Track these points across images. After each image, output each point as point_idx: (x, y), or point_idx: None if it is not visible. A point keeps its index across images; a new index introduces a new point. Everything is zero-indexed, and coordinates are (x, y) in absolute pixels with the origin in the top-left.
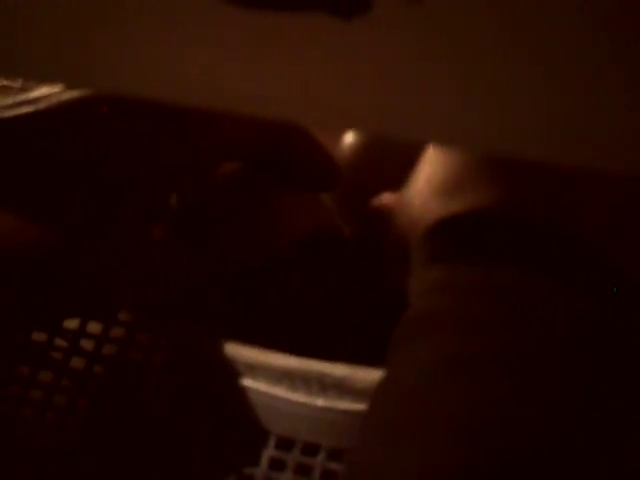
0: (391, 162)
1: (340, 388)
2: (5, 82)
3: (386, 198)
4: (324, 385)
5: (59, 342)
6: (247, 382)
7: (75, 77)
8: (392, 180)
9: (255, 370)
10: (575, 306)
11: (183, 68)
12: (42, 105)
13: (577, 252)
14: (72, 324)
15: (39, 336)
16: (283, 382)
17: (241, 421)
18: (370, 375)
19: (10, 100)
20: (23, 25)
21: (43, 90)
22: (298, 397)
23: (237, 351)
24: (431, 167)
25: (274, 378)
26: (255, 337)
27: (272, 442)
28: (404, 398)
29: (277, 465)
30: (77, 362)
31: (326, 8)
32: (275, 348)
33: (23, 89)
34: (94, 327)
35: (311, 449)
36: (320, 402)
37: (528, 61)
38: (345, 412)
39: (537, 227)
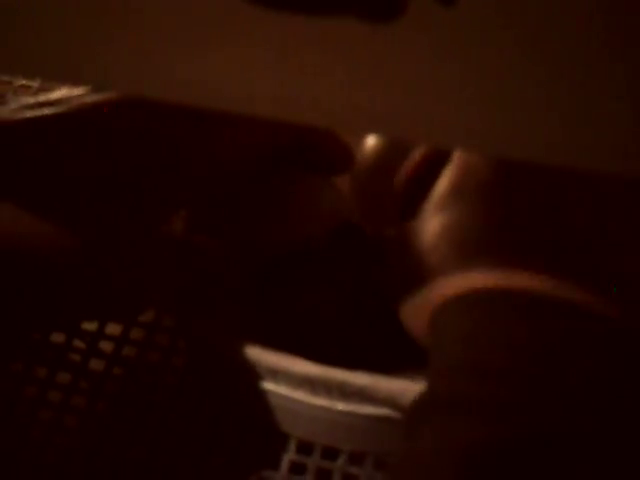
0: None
1: (361, 396)
2: (24, 81)
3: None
4: (345, 393)
5: (77, 343)
6: (268, 386)
7: (94, 78)
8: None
9: (277, 375)
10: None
11: (209, 72)
12: (63, 107)
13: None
14: (91, 326)
15: (57, 337)
16: (304, 387)
17: (261, 424)
18: (392, 384)
19: (31, 100)
20: (42, 25)
21: (63, 91)
22: (319, 401)
23: (259, 355)
24: (445, 217)
25: (295, 383)
26: (278, 333)
27: (292, 446)
28: None
29: (297, 469)
30: (96, 364)
31: (356, 12)
32: (298, 347)
33: (42, 89)
34: (113, 329)
35: (331, 453)
36: (341, 406)
37: (556, 70)
38: (366, 417)
39: (561, 313)
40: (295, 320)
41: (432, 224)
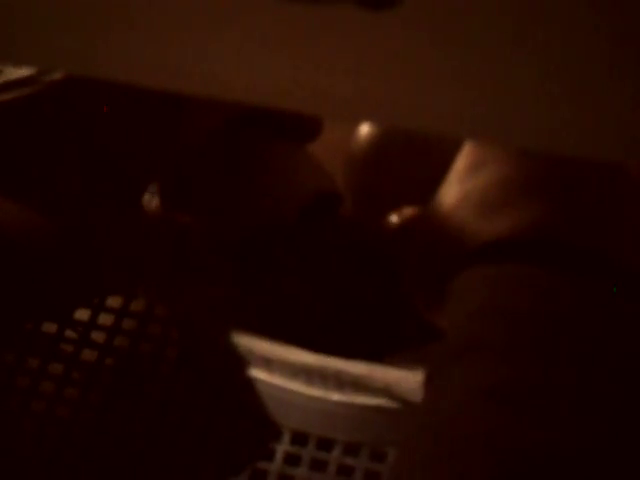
0: (406, 154)
1: (357, 385)
2: None
3: (407, 212)
4: (341, 382)
5: (70, 334)
6: (262, 375)
7: (78, 64)
8: (407, 172)
9: (271, 364)
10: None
11: (206, 60)
12: (28, 89)
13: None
14: (83, 315)
15: (49, 328)
16: (299, 377)
17: (255, 416)
18: (388, 373)
19: None
20: (37, 13)
21: (22, 72)
22: (313, 392)
23: (253, 344)
24: (465, 183)
25: (290, 373)
26: (269, 319)
27: (287, 437)
28: (444, 429)
29: (292, 460)
30: (88, 354)
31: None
32: (290, 334)
33: None
34: (105, 319)
35: (326, 444)
36: (336, 397)
37: (557, 56)
38: (361, 407)
39: (580, 256)
40: (286, 306)
41: (452, 193)
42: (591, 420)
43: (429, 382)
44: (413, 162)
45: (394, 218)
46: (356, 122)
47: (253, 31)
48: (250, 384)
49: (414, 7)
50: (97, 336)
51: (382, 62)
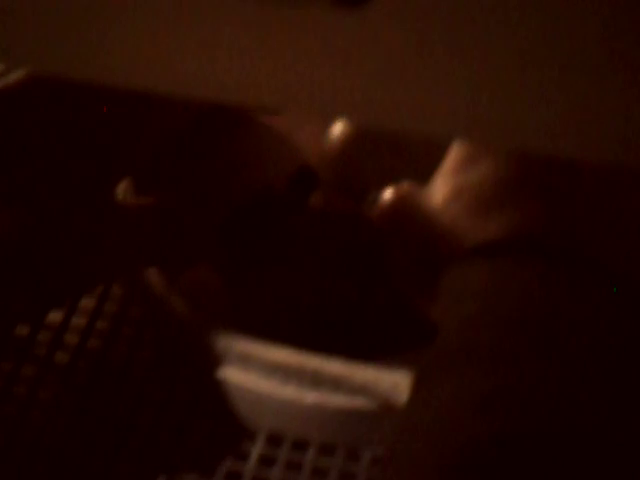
0: (380, 152)
1: (335, 384)
2: None
3: (392, 193)
4: (318, 380)
5: (42, 336)
6: (238, 374)
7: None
8: (380, 169)
9: (248, 361)
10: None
11: (173, 59)
12: None
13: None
14: (55, 318)
15: (21, 330)
16: (276, 375)
17: (230, 417)
18: (367, 372)
19: None
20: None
21: None
22: (289, 392)
23: (231, 341)
24: (459, 177)
25: (267, 370)
26: (250, 315)
27: (262, 438)
28: (431, 436)
29: (266, 461)
30: (61, 356)
31: None
32: (270, 330)
33: None
34: (78, 321)
35: (301, 445)
36: (312, 397)
37: (532, 54)
38: (337, 408)
39: (574, 258)
40: (267, 302)
41: (443, 189)
42: (583, 432)
43: (417, 386)
44: (386, 159)
45: (377, 204)
46: (332, 119)
47: (227, 31)
48: (225, 385)
49: (392, 3)
50: (70, 338)
51: (359, 60)
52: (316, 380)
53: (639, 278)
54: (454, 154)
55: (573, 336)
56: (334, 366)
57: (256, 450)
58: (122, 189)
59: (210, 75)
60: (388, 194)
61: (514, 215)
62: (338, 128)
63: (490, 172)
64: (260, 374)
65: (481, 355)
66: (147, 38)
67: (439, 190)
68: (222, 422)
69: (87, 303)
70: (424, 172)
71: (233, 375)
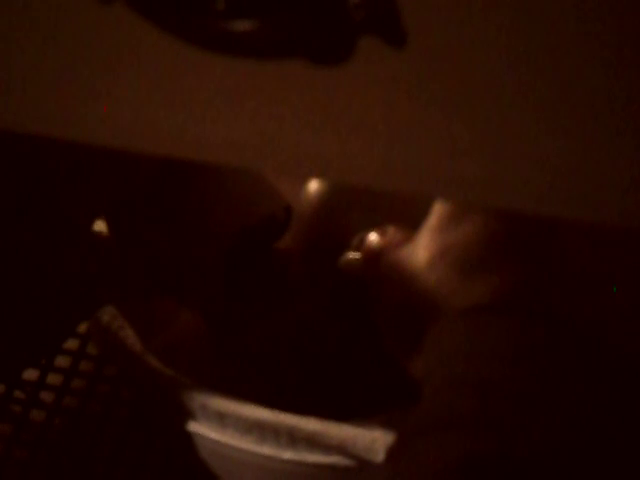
0: (358, 209)
1: (311, 442)
2: None
3: (377, 237)
4: (294, 438)
5: (18, 394)
6: (214, 431)
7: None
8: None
9: (225, 419)
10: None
11: (153, 116)
12: None
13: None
14: (31, 375)
15: None
16: (252, 433)
17: (206, 475)
18: (343, 431)
19: None
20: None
21: None
22: (265, 450)
23: (207, 399)
24: (445, 235)
25: (243, 428)
26: (228, 371)
27: None
28: None
29: None
30: (37, 414)
31: (306, 54)
32: (247, 389)
33: None
34: (54, 378)
35: None
36: (288, 454)
37: (515, 111)
38: (314, 465)
39: (551, 320)
40: (250, 351)
41: (429, 246)
42: None
43: (399, 447)
44: (369, 202)
45: (362, 247)
46: (309, 178)
47: (204, 90)
48: (201, 442)
49: (368, 62)
50: (46, 396)
51: (337, 119)
52: (292, 438)
53: (615, 340)
54: (439, 209)
55: (553, 399)
56: (309, 424)
57: None
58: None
59: (186, 135)
60: (373, 238)
61: (497, 277)
62: (314, 186)
63: (474, 232)
64: (236, 431)
65: (464, 418)
66: (126, 98)
67: (425, 247)
68: (199, 477)
69: (63, 361)
70: (409, 214)
71: (210, 432)
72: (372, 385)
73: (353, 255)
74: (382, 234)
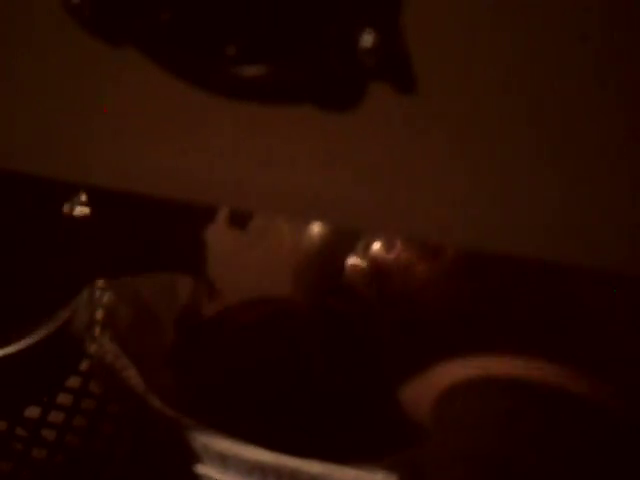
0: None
1: None
2: None
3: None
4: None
5: (20, 431)
6: (217, 473)
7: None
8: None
9: (227, 460)
10: None
11: (162, 160)
12: None
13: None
14: (33, 413)
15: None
16: (254, 474)
17: None
18: (345, 474)
19: None
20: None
21: None
22: None
23: (209, 440)
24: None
25: (245, 470)
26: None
27: None
28: None
29: None
30: (38, 452)
31: (315, 100)
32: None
33: None
34: (55, 416)
35: None
36: None
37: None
38: None
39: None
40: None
41: (442, 290)
42: None
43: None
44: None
45: (360, 261)
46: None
47: (209, 130)
48: None
49: (376, 107)
50: (47, 434)
51: (337, 161)
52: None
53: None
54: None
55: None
56: (312, 466)
57: None
58: None
59: (194, 177)
60: (378, 248)
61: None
62: (316, 229)
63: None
64: (239, 473)
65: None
66: (133, 142)
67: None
68: None
69: (64, 399)
70: None
71: (212, 472)
72: (376, 427)
73: (357, 262)
74: (389, 247)
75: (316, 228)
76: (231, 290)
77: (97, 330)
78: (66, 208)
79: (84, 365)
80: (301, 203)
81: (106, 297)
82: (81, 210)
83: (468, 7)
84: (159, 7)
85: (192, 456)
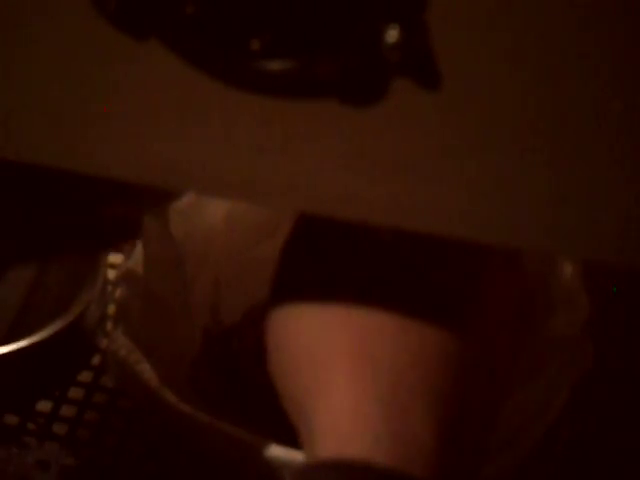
0: None
1: None
2: None
3: None
4: None
5: (31, 425)
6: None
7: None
8: None
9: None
10: None
11: (188, 153)
12: None
13: None
14: (45, 407)
15: (11, 419)
16: None
17: None
18: None
19: None
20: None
21: None
22: None
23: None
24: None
25: None
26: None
27: None
28: None
29: None
30: (49, 445)
31: (340, 95)
32: None
33: None
34: (67, 410)
35: None
36: None
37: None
38: None
39: None
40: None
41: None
42: None
43: None
44: None
45: None
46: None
47: (233, 125)
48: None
49: (400, 103)
50: (59, 428)
51: (363, 157)
52: None
53: None
54: None
55: None
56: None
57: None
58: None
59: (217, 172)
60: None
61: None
62: None
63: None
64: None
65: None
66: (156, 134)
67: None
68: None
69: (76, 393)
70: None
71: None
72: None
73: None
74: None
75: None
76: (241, 287)
77: (109, 324)
78: None
79: (96, 359)
80: (320, 198)
81: (118, 291)
82: None
83: (492, 4)
84: (184, 1)
85: (207, 452)
